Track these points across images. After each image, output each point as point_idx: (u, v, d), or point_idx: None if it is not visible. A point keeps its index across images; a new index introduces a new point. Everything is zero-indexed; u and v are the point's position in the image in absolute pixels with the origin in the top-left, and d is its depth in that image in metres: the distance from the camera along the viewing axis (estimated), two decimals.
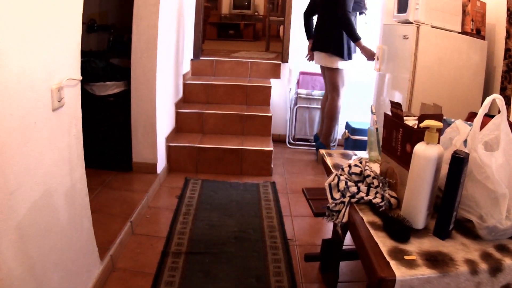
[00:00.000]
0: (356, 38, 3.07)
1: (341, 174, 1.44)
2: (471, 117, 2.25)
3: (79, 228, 1.61)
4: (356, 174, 1.40)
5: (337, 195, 1.38)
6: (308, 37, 3.50)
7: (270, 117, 3.51)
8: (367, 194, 1.31)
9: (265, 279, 1.90)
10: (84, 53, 1.96)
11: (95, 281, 1.72)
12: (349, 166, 1.46)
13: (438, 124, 1.07)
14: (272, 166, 3.25)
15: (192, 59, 4.00)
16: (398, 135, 1.25)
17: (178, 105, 3.50)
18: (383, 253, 1.01)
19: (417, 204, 1.12)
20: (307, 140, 3.95)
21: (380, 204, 1.23)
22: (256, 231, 2.34)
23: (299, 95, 3.86)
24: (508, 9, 2.39)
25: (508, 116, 1.27)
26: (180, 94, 3.64)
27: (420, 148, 1.09)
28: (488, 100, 1.06)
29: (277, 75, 4.01)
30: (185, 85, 3.70)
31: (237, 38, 7.55)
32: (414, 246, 1.05)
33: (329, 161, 1.73)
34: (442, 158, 1.09)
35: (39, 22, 1.24)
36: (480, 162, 1.06)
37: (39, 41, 1.25)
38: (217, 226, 2.37)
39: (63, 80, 1.39)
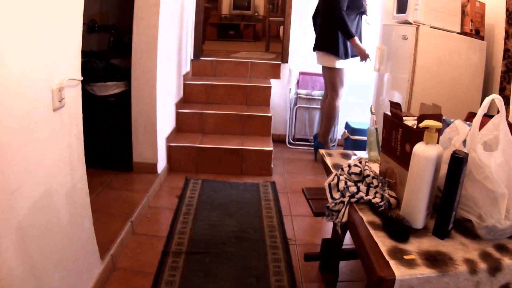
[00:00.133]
0: (349, 35, 3.08)
1: (340, 174, 1.44)
2: (470, 117, 2.25)
3: (80, 228, 1.61)
4: (355, 174, 1.41)
5: (336, 195, 1.39)
6: None
7: (270, 117, 3.51)
8: (367, 194, 1.31)
9: (265, 279, 1.91)
10: (85, 54, 1.96)
11: (95, 281, 1.73)
12: (349, 166, 1.46)
13: (437, 124, 1.07)
14: (272, 166, 3.25)
15: (192, 60, 4.00)
16: (397, 135, 1.26)
17: (179, 105, 3.50)
18: (382, 253, 1.02)
19: (416, 204, 1.12)
20: (307, 140, 3.96)
21: (380, 204, 1.24)
22: (256, 230, 2.34)
23: (299, 95, 3.86)
24: (507, 10, 2.39)
25: (507, 116, 1.27)
26: (181, 94, 3.65)
27: (419, 148, 1.10)
28: (487, 100, 1.07)
29: (277, 75, 4.01)
30: (185, 85, 3.70)
31: (237, 39, 7.54)
32: (414, 246, 1.05)
33: (328, 161, 1.73)
34: (441, 158, 1.09)
35: (40, 22, 1.24)
36: (479, 162, 1.06)
37: (40, 41, 1.25)
38: (217, 225, 2.37)
39: (63, 80, 1.40)
